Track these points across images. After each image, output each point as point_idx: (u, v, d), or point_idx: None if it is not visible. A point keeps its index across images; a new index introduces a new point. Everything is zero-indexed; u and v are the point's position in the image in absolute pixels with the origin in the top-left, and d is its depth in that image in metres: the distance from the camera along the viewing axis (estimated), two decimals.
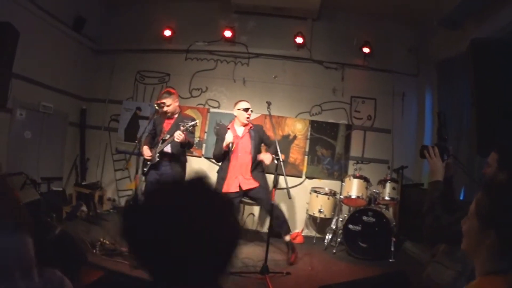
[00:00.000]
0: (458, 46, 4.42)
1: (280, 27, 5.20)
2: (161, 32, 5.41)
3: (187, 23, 5.47)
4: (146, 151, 3.82)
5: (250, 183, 3.73)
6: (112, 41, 5.69)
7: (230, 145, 3.69)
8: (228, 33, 5.23)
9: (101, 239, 3.28)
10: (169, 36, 5.44)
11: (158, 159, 3.78)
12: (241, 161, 3.70)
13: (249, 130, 3.84)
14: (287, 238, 3.79)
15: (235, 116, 3.87)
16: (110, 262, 3.02)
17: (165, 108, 3.79)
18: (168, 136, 3.70)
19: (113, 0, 5.62)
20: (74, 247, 1.11)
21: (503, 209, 1.01)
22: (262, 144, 4.02)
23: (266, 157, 3.72)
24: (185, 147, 3.85)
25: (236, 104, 3.86)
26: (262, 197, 3.77)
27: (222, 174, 3.75)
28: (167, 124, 3.89)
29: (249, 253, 3.95)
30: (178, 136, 3.49)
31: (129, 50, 5.70)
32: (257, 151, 3.83)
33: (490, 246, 1.00)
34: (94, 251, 3.14)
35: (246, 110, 3.78)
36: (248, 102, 3.84)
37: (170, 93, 3.85)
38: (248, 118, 3.80)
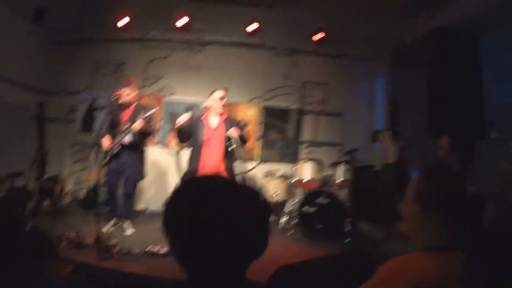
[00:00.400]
0: (413, 33, 4.53)
1: (234, 15, 5.22)
2: (118, 21, 5.37)
3: (143, 12, 5.43)
4: (105, 142, 3.84)
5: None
6: (70, 31, 5.61)
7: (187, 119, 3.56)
8: (182, 21, 5.23)
9: (67, 233, 3.29)
10: (125, 25, 5.39)
11: (118, 148, 3.81)
12: (213, 152, 3.63)
13: (224, 121, 3.74)
14: None
15: (209, 106, 3.77)
16: (78, 254, 3.03)
17: (125, 98, 3.82)
18: (128, 125, 3.73)
19: None
20: (46, 242, 1.11)
21: (446, 193, 1.06)
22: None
23: (232, 131, 3.62)
24: (144, 136, 3.89)
25: (210, 94, 3.79)
26: None
27: (194, 165, 3.63)
28: (125, 114, 3.91)
29: None
30: (137, 125, 3.55)
31: (86, 40, 5.63)
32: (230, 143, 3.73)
33: (432, 227, 1.05)
34: (62, 245, 3.14)
35: (221, 99, 3.70)
36: (223, 90, 3.77)
37: (128, 83, 3.91)
38: (222, 106, 3.72)
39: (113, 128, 3.92)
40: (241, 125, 3.82)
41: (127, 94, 3.82)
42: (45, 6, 5.07)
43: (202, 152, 3.62)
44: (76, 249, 3.12)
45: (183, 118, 3.56)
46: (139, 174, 3.97)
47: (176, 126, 3.58)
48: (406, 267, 1.00)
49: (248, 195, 0.78)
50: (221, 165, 3.66)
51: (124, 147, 3.81)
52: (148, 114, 3.55)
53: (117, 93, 3.83)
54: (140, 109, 3.84)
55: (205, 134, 3.65)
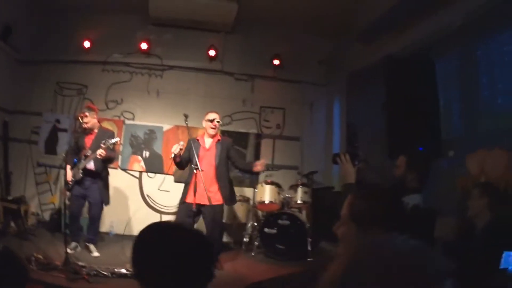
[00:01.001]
0: (369, 58, 4.70)
1: (195, 40, 5.31)
2: (81, 43, 5.40)
3: (106, 35, 5.47)
4: (68, 174, 3.90)
5: (215, 199, 3.68)
6: (35, 51, 5.59)
7: (172, 155, 3.64)
8: (144, 45, 5.29)
9: (35, 254, 3.28)
10: (88, 47, 5.42)
11: (81, 175, 3.84)
12: (205, 174, 3.65)
13: (216, 142, 3.85)
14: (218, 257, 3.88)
15: (204, 127, 3.91)
16: (48, 276, 3.04)
17: (84, 125, 3.89)
18: (90, 152, 3.79)
19: (37, 10, 5.51)
20: (18, 263, 1.12)
21: (377, 211, 1.08)
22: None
23: (259, 164, 3.79)
24: (107, 162, 3.97)
25: (205, 115, 3.90)
26: (218, 217, 3.79)
27: (188, 186, 3.72)
28: (88, 140, 3.97)
29: None
30: (100, 154, 3.63)
31: (50, 61, 5.62)
32: (223, 164, 3.83)
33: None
34: (31, 266, 3.12)
35: (211, 121, 3.79)
36: (215, 113, 3.87)
37: (90, 109, 3.96)
38: (213, 128, 3.80)
39: (77, 153, 3.97)
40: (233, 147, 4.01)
41: (89, 120, 3.88)
42: (12, 25, 5.04)
43: (197, 172, 3.63)
44: (45, 271, 3.12)
45: (176, 149, 3.61)
46: (104, 199, 4.04)
47: (172, 157, 3.66)
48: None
49: (195, 239, 1.02)
50: (214, 184, 3.75)
51: (87, 173, 3.86)
52: (110, 142, 3.63)
53: (80, 116, 3.90)
54: (103, 133, 3.91)
55: (200, 154, 3.74)
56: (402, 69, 3.82)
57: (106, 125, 5.27)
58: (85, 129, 3.92)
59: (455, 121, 4.09)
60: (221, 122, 3.90)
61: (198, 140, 3.86)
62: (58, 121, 5.59)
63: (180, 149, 3.62)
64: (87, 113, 3.88)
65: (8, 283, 1.01)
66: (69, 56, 5.56)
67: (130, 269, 3.25)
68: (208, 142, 3.86)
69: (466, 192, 3.21)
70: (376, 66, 4.57)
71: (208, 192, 3.51)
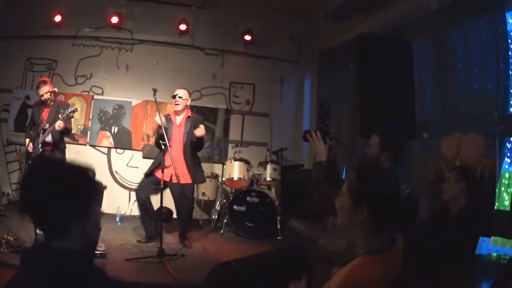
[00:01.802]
0: (341, 36, 4.64)
1: (166, 14, 5.23)
2: (51, 17, 5.28)
3: (76, 9, 5.35)
4: (28, 144, 3.88)
5: (184, 178, 3.62)
6: (4, 27, 5.43)
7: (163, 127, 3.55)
8: (115, 19, 5.20)
9: (5, 236, 3.19)
10: (58, 22, 5.30)
11: (41, 149, 3.79)
12: (174, 150, 3.63)
13: (186, 118, 3.79)
14: (187, 235, 3.93)
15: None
16: (18, 259, 2.93)
17: (45, 96, 3.84)
18: (48, 125, 3.74)
19: None
20: None
21: (371, 186, 1.14)
22: None
23: (198, 131, 3.64)
24: (65, 134, 3.92)
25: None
26: (187, 195, 3.75)
27: (159, 159, 3.68)
28: (45, 113, 3.91)
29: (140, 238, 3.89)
30: (59, 125, 3.58)
31: (19, 37, 5.48)
32: (190, 141, 3.76)
33: (364, 223, 1.10)
34: (1, 249, 3.03)
35: (173, 97, 3.76)
36: (183, 89, 3.83)
37: (45, 82, 3.92)
38: (176, 104, 3.74)
39: (33, 127, 3.92)
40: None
41: (45, 92, 3.83)
42: None
43: (166, 149, 3.59)
44: (16, 253, 3.01)
45: (156, 120, 3.60)
46: None
47: (160, 132, 3.57)
48: (357, 276, 1.06)
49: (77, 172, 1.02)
50: (182, 161, 3.70)
51: (46, 146, 3.82)
52: (69, 111, 3.58)
53: (52, 89, 3.89)
54: (58, 106, 3.85)
55: (172, 131, 3.74)
56: (375, 48, 3.77)
57: (75, 100, 5.18)
58: (42, 102, 3.87)
59: (429, 104, 4.05)
60: (184, 98, 3.77)
61: (170, 116, 3.83)
62: (28, 97, 5.48)
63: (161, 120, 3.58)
64: (44, 86, 3.84)
65: None
66: (40, 31, 5.43)
67: (99, 248, 3.21)
68: (178, 119, 3.82)
69: (440, 175, 3.20)
70: (348, 44, 4.52)
71: (176, 169, 3.48)
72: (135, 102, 5.12)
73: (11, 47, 5.52)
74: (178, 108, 3.76)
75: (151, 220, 3.80)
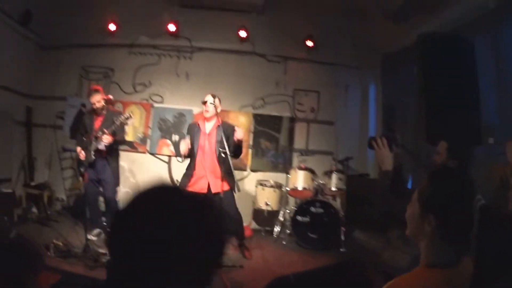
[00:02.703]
0: (402, 39, 4.49)
1: (224, 21, 5.12)
2: (106, 26, 5.27)
3: (132, 17, 5.32)
4: (79, 152, 3.82)
5: (219, 185, 3.46)
6: (58, 36, 5.44)
7: (182, 158, 3.52)
8: (172, 27, 5.12)
9: (54, 241, 3.20)
10: (113, 30, 5.28)
11: (94, 157, 3.73)
12: (208, 159, 3.51)
13: (217, 126, 3.57)
14: (242, 242, 3.75)
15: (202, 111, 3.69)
16: (66, 264, 2.95)
17: (97, 105, 3.78)
18: (100, 133, 3.66)
19: None
20: (31, 250, 1.05)
21: (440, 193, 1.03)
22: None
23: (238, 133, 3.46)
24: (118, 143, 3.88)
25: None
26: (230, 203, 3.55)
27: (189, 172, 3.54)
28: (97, 121, 3.86)
29: None
30: (106, 139, 3.56)
31: (73, 45, 5.50)
32: (223, 149, 3.57)
33: (432, 234, 1.01)
34: (49, 253, 3.03)
35: (204, 103, 3.55)
36: (211, 95, 3.58)
37: (97, 91, 3.86)
38: (207, 111, 3.53)
39: (84, 136, 3.88)
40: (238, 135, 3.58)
41: (97, 101, 3.77)
42: (33, 10, 4.89)
43: (197, 158, 3.51)
44: (63, 258, 3.02)
45: (185, 149, 3.46)
46: (116, 180, 3.97)
47: (183, 154, 3.49)
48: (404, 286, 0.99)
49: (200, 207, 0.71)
50: (217, 170, 3.51)
51: (99, 154, 3.76)
52: (124, 117, 3.53)
53: (107, 97, 3.85)
54: (111, 115, 3.80)
55: (200, 139, 3.56)
56: (438, 48, 3.58)
57: (134, 108, 5.11)
58: (94, 110, 3.83)
59: (492, 107, 3.83)
60: (215, 104, 3.55)
61: (198, 124, 3.63)
62: (84, 105, 5.42)
63: (188, 148, 3.47)
64: (96, 95, 3.77)
65: (20, 271, 0.94)
66: (94, 40, 5.41)
67: None
68: (207, 126, 3.60)
69: (505, 182, 2.97)
70: (410, 47, 4.33)
71: (210, 179, 3.42)
72: (196, 110, 5.01)
73: (65, 56, 5.52)
74: (208, 114, 3.55)
75: None
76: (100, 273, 2.82)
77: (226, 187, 3.48)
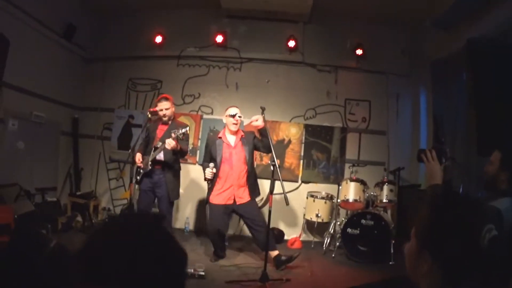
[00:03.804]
0: (450, 46, 4.38)
1: (272, 31, 5.12)
2: (152, 39, 5.33)
3: (178, 29, 5.38)
4: (138, 158, 3.74)
5: (244, 196, 3.57)
6: (103, 49, 5.59)
7: (208, 181, 3.56)
8: (219, 38, 5.13)
9: None
10: (160, 42, 5.33)
11: (150, 167, 3.69)
12: (236, 171, 3.54)
13: (241, 138, 3.64)
14: (275, 253, 3.62)
15: (225, 124, 3.68)
16: None
17: (164, 112, 3.71)
18: (160, 143, 3.60)
19: (104, 8, 5.47)
20: (69, 260, 1.00)
21: (436, 225, 0.86)
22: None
23: (258, 120, 3.45)
24: (178, 155, 3.75)
25: (225, 110, 3.69)
26: (253, 213, 3.61)
27: (213, 185, 3.58)
28: (160, 131, 3.81)
29: (248, 260, 3.79)
30: (169, 144, 3.42)
31: (120, 58, 5.59)
32: (252, 159, 3.67)
33: (430, 275, 0.85)
34: None
35: (233, 116, 3.55)
36: (236, 107, 3.63)
37: (167, 99, 3.79)
38: (235, 124, 3.57)
39: (147, 145, 3.82)
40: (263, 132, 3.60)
41: (166, 108, 3.70)
42: (76, 24, 5.01)
43: (221, 170, 3.52)
44: None
45: (209, 175, 3.51)
46: (173, 193, 3.80)
47: (207, 179, 3.56)
48: None
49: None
50: (242, 182, 3.56)
51: (156, 165, 3.69)
52: (179, 133, 3.40)
53: (153, 109, 3.74)
54: (176, 127, 3.71)
55: (224, 152, 3.58)
56: (486, 55, 3.45)
57: (183, 119, 5.14)
58: (160, 119, 3.77)
59: None
60: (242, 117, 3.64)
61: (220, 138, 3.64)
62: (132, 117, 5.52)
63: (212, 172, 3.51)
64: (164, 102, 3.72)
65: (59, 280, 0.93)
66: (140, 52, 5.50)
67: (199, 269, 3.14)
68: (231, 139, 3.63)
69: None
70: (459, 53, 4.21)
71: (235, 191, 3.48)
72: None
73: (113, 68, 5.63)
74: (236, 128, 3.58)
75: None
76: None
77: (248, 198, 3.57)
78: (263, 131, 3.50)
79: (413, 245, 0.91)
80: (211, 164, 3.50)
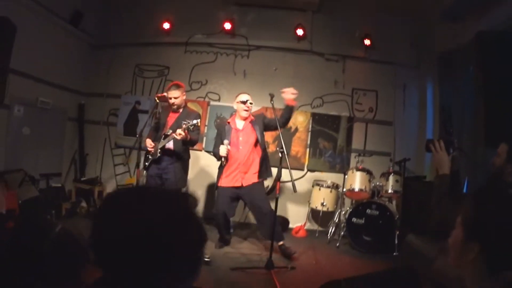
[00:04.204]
0: (459, 38, 4.37)
1: (280, 19, 5.10)
2: (160, 25, 5.29)
3: (186, 16, 5.36)
4: (150, 143, 3.71)
5: (252, 179, 3.56)
6: (110, 35, 5.57)
7: (223, 159, 3.50)
8: (227, 25, 5.12)
9: None
10: (167, 29, 5.31)
11: (159, 154, 3.67)
12: (242, 153, 3.55)
13: (250, 122, 3.66)
14: (281, 243, 3.64)
15: (236, 109, 3.69)
16: None
17: (173, 101, 3.65)
18: (170, 131, 3.57)
19: None
20: (76, 245, 1.06)
21: (489, 216, 0.90)
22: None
23: (287, 94, 3.50)
24: (187, 145, 3.74)
25: (236, 97, 3.70)
26: (260, 198, 3.56)
27: (222, 167, 3.60)
28: (171, 118, 3.76)
29: (253, 248, 3.81)
30: (178, 134, 3.39)
31: (127, 44, 5.57)
32: (263, 140, 3.66)
33: (475, 263, 0.91)
34: None
35: (244, 102, 3.56)
36: (247, 94, 3.64)
37: (178, 86, 3.71)
38: (246, 110, 3.58)
39: (157, 131, 3.80)
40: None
41: (175, 97, 3.64)
42: (83, 10, 4.98)
43: (229, 154, 3.51)
44: None
45: (225, 152, 3.47)
46: (180, 181, 3.77)
47: (223, 157, 3.51)
48: None
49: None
50: (248, 164, 3.55)
51: (165, 153, 3.66)
52: (190, 124, 3.35)
53: (161, 95, 3.67)
54: (187, 114, 3.68)
55: (232, 136, 3.57)
56: (496, 47, 3.43)
57: (191, 106, 5.12)
58: (171, 106, 3.70)
59: None
60: (253, 103, 3.66)
61: (229, 123, 3.66)
62: (138, 102, 5.51)
63: (228, 149, 3.49)
64: (175, 90, 3.64)
65: (64, 264, 0.96)
66: (148, 38, 5.48)
67: (204, 255, 3.06)
68: (240, 124, 3.66)
69: None
70: (467, 45, 4.20)
71: (242, 173, 3.49)
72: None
73: (120, 54, 5.61)
74: (247, 114, 3.60)
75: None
76: None
77: (256, 179, 3.56)
78: (290, 108, 3.53)
79: (459, 233, 0.94)
80: (226, 141, 3.48)
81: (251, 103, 3.61)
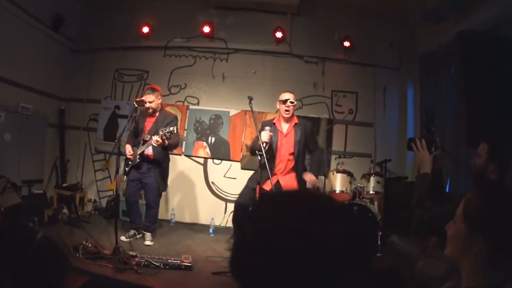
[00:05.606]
0: (440, 39, 4.36)
1: (260, 22, 5.08)
2: (139, 29, 5.26)
3: (165, 19, 5.32)
4: (129, 150, 3.69)
5: (290, 185, 3.33)
6: (91, 40, 5.50)
7: (264, 144, 3.10)
8: (206, 29, 5.08)
9: (84, 242, 3.14)
10: (147, 33, 5.27)
11: (139, 160, 3.64)
12: (282, 161, 3.38)
13: (294, 126, 3.42)
14: None
15: (279, 110, 3.46)
16: (94, 265, 2.89)
17: (148, 105, 3.61)
18: (149, 137, 3.53)
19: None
20: (57, 252, 1.03)
21: (493, 211, 0.92)
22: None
23: (308, 178, 3.37)
24: (168, 149, 3.70)
25: (278, 96, 3.46)
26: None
27: (261, 171, 3.26)
28: (148, 123, 3.73)
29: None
30: (155, 141, 3.34)
31: (107, 48, 5.52)
32: (302, 151, 3.44)
33: (478, 255, 0.93)
34: (78, 255, 2.99)
35: (284, 102, 3.32)
36: (290, 92, 3.38)
37: (153, 90, 3.68)
38: (287, 111, 3.33)
39: (136, 136, 3.76)
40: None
41: (151, 101, 3.58)
42: (64, 15, 4.89)
43: (277, 158, 3.36)
44: (92, 260, 2.96)
45: (264, 139, 3.11)
46: (161, 186, 3.75)
47: (264, 146, 3.08)
48: None
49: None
50: (288, 170, 3.39)
51: (145, 158, 3.62)
52: (166, 131, 3.29)
53: (140, 99, 3.63)
54: (164, 117, 3.64)
55: (278, 140, 3.38)
56: (478, 46, 3.41)
57: (170, 110, 5.04)
58: (146, 110, 3.64)
59: None
60: (296, 103, 3.41)
61: (274, 124, 3.45)
62: (118, 107, 5.43)
63: (270, 134, 3.23)
64: (149, 94, 3.58)
65: (45, 272, 0.92)
66: (127, 42, 5.43)
67: (185, 260, 3.07)
68: (285, 126, 3.45)
69: None
70: (449, 46, 4.18)
71: (280, 179, 3.31)
72: (233, 112, 4.95)
73: (98, 59, 5.54)
74: (288, 114, 3.34)
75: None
76: (129, 275, 2.77)
77: (294, 183, 3.38)
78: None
79: (461, 228, 0.96)
80: (267, 127, 3.17)
81: (291, 102, 3.31)
